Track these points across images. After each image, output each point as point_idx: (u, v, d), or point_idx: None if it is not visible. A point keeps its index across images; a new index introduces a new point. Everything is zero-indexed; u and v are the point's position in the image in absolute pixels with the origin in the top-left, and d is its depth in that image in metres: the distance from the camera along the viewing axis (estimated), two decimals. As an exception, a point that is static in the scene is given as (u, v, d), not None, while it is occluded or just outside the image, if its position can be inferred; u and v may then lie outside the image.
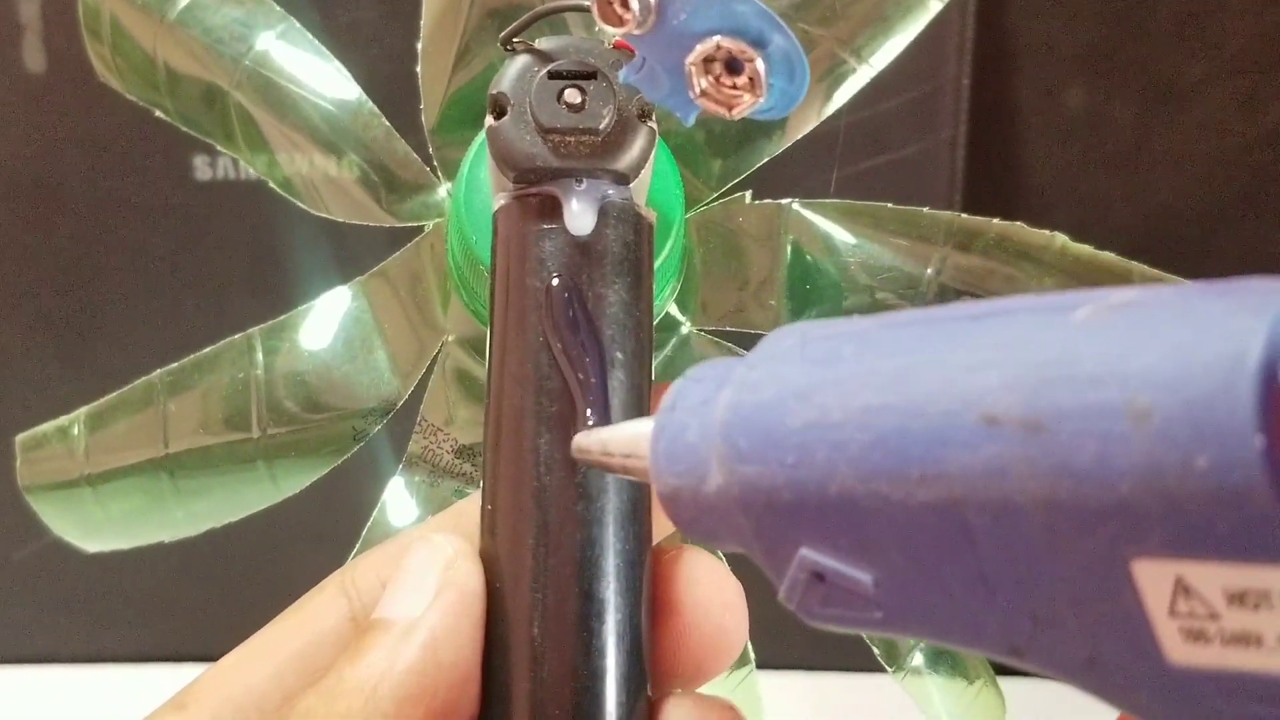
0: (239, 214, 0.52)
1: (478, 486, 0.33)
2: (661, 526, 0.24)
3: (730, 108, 0.22)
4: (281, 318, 0.34)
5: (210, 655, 0.25)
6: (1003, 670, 0.37)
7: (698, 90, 0.22)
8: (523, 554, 0.22)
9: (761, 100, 0.22)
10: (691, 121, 0.23)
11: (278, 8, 0.33)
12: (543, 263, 0.23)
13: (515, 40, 0.25)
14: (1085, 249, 0.34)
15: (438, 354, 0.34)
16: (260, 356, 0.33)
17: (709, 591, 0.23)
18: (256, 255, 0.53)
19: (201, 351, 0.34)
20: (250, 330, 0.34)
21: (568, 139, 0.24)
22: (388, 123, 0.33)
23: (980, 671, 0.36)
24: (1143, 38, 0.56)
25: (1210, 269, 0.62)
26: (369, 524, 0.33)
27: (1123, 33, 0.56)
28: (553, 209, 0.24)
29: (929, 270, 0.33)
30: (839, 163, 0.51)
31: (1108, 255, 0.34)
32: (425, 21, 0.32)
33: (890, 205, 0.33)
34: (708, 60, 0.22)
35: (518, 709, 0.22)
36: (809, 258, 0.33)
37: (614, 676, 0.22)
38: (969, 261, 0.33)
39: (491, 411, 0.24)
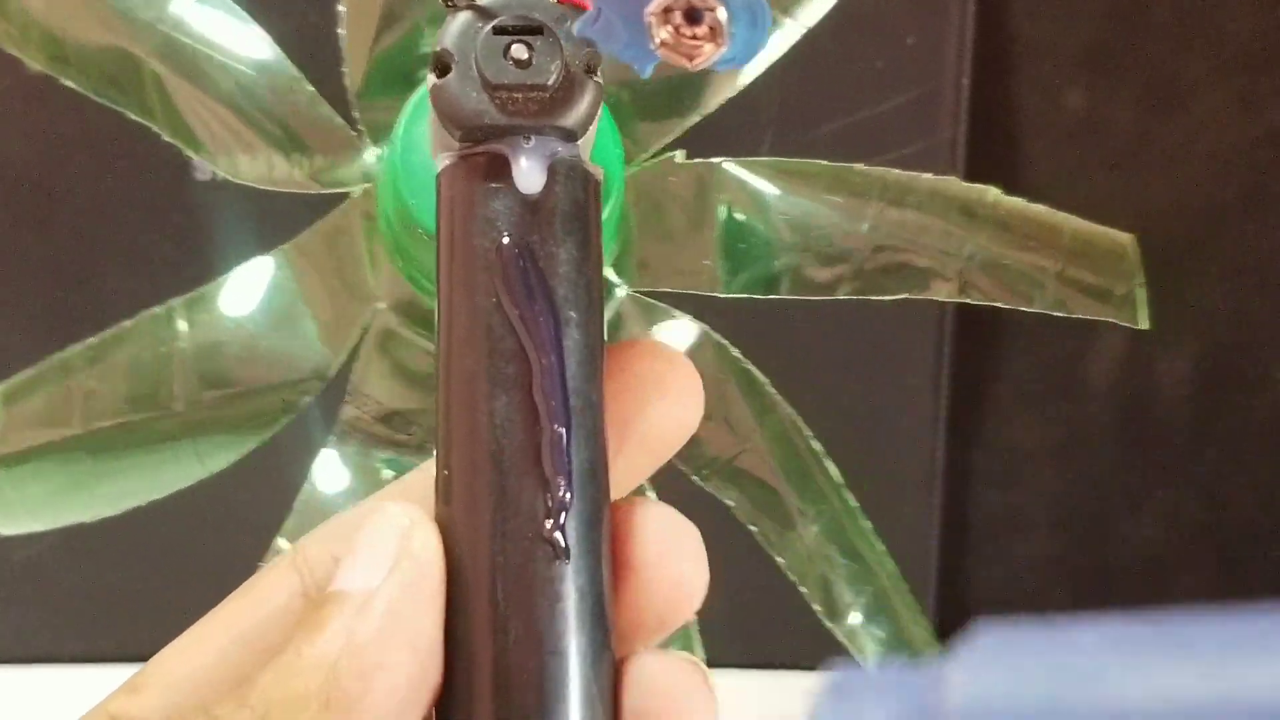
0: (239, 214, 0.52)
1: (410, 454, 0.31)
2: (617, 485, 0.24)
3: (691, 58, 0.22)
4: (201, 289, 0.33)
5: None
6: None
7: (658, 41, 0.21)
8: (481, 519, 0.22)
9: (724, 49, 0.21)
10: (649, 74, 0.23)
11: None
12: (492, 222, 0.23)
13: None
14: (1017, 201, 0.34)
15: (369, 321, 0.33)
16: (183, 328, 0.32)
17: (665, 542, 0.23)
18: (256, 255, 0.53)
19: (119, 325, 0.32)
20: (170, 302, 0.32)
21: (515, 95, 0.23)
22: (311, 87, 0.32)
23: (912, 619, 0.36)
24: (1143, 38, 0.56)
25: (1210, 269, 0.63)
26: (299, 496, 0.33)
27: (1123, 33, 0.56)
28: (500, 167, 0.23)
29: (864, 225, 0.33)
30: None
31: (1039, 207, 0.34)
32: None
33: (823, 162, 0.33)
34: (667, 10, 0.21)
35: (480, 676, 0.22)
36: (741, 217, 0.33)
37: (579, 638, 0.22)
38: (903, 216, 0.33)
39: (443, 376, 0.23)
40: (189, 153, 0.33)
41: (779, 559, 0.34)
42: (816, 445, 0.35)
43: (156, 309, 0.33)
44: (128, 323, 0.33)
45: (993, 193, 0.33)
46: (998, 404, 0.61)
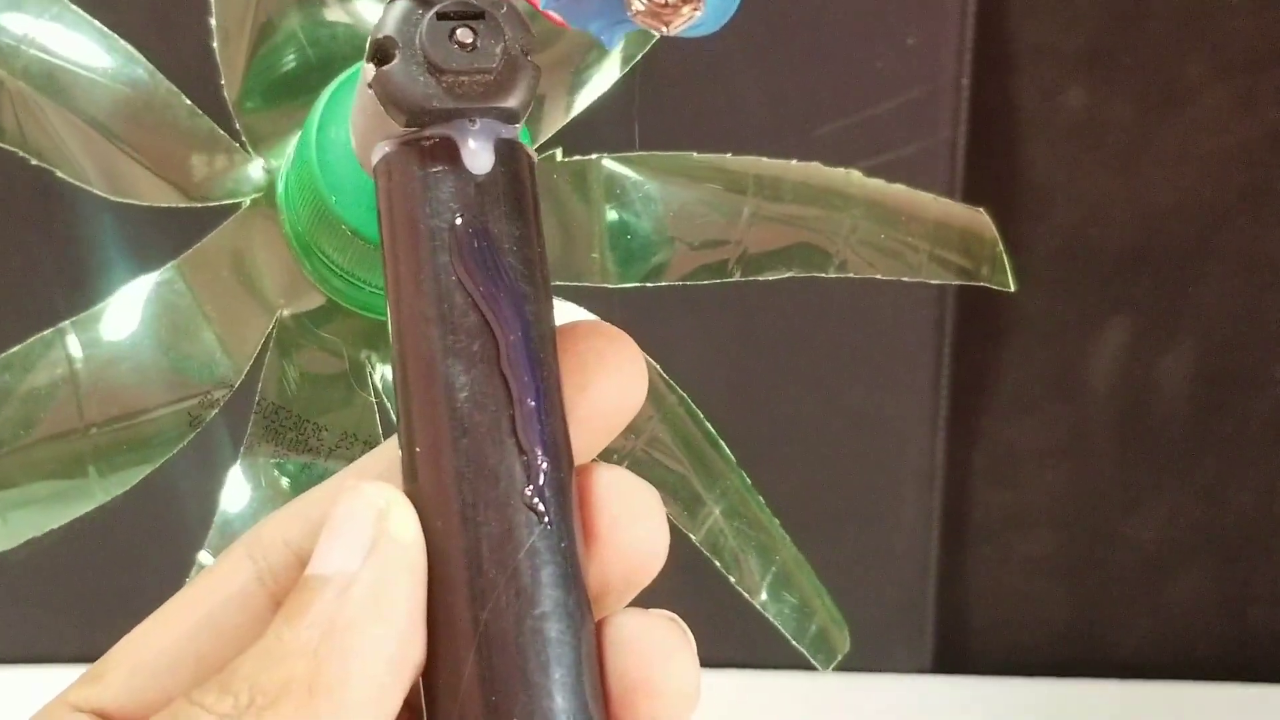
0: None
1: (322, 460, 0.32)
2: (577, 451, 0.24)
3: (668, 23, 0.22)
4: (93, 309, 0.32)
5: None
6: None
7: (635, 9, 0.22)
8: (458, 491, 0.22)
9: (699, 13, 0.22)
10: (615, 45, 0.24)
11: None
12: (445, 203, 0.23)
13: None
14: (879, 182, 0.35)
15: (272, 330, 0.33)
16: (75, 351, 0.32)
17: (624, 503, 0.23)
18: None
19: (7, 352, 0.32)
20: (61, 325, 0.32)
21: (462, 78, 0.24)
22: (189, 101, 0.32)
23: (815, 591, 0.37)
24: (1143, 38, 0.56)
25: (1210, 269, 0.63)
26: (216, 515, 0.32)
27: (1122, 33, 0.56)
28: (448, 150, 0.24)
29: (744, 214, 0.33)
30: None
31: (899, 188, 0.35)
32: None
33: (695, 155, 0.34)
34: None
35: (465, 646, 0.22)
36: (624, 211, 0.33)
37: (563, 599, 0.22)
38: (780, 208, 0.33)
39: (402, 358, 0.24)
40: (61, 174, 0.32)
41: (693, 536, 0.35)
42: (709, 426, 0.35)
43: (45, 332, 0.32)
44: (16, 349, 0.32)
45: (855, 174, 0.34)
46: (998, 404, 0.61)
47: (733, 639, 0.54)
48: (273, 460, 0.33)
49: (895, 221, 0.35)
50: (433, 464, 0.23)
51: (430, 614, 0.22)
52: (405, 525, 0.22)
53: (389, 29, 0.24)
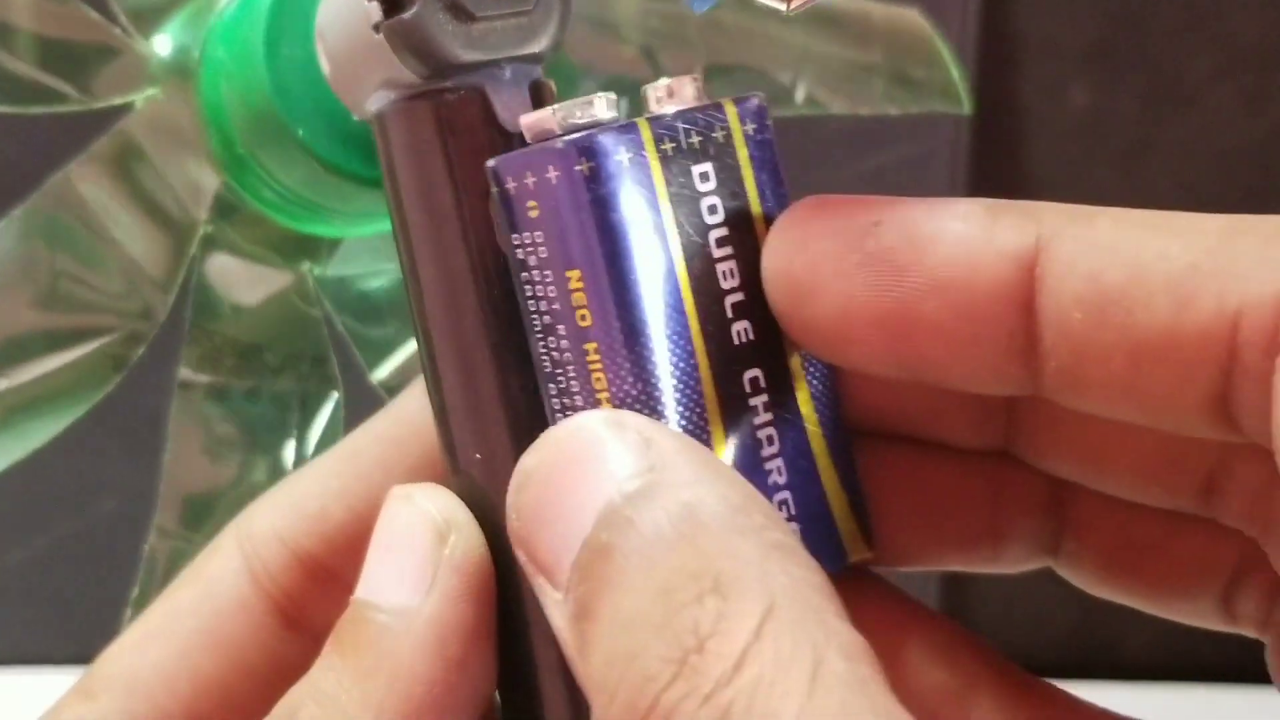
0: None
1: (268, 381, 0.29)
2: None
3: None
4: None
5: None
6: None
7: None
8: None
9: None
10: (704, 10, 0.20)
11: None
12: (480, 168, 0.19)
13: None
14: None
15: (193, 249, 0.28)
16: None
17: None
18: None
19: None
20: None
21: (495, 25, 0.20)
22: None
23: None
24: (1147, 35, 0.56)
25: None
26: (165, 459, 0.28)
27: (1127, 30, 0.56)
28: (476, 102, 0.20)
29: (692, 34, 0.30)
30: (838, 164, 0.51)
31: None
32: None
33: None
34: None
35: (539, 684, 0.19)
36: None
37: None
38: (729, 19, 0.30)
39: (438, 352, 0.20)
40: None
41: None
42: None
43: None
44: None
45: None
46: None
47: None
48: (213, 393, 0.29)
49: (844, 37, 0.31)
50: (489, 478, 0.20)
51: (500, 639, 0.20)
52: (470, 553, 0.19)
53: None
